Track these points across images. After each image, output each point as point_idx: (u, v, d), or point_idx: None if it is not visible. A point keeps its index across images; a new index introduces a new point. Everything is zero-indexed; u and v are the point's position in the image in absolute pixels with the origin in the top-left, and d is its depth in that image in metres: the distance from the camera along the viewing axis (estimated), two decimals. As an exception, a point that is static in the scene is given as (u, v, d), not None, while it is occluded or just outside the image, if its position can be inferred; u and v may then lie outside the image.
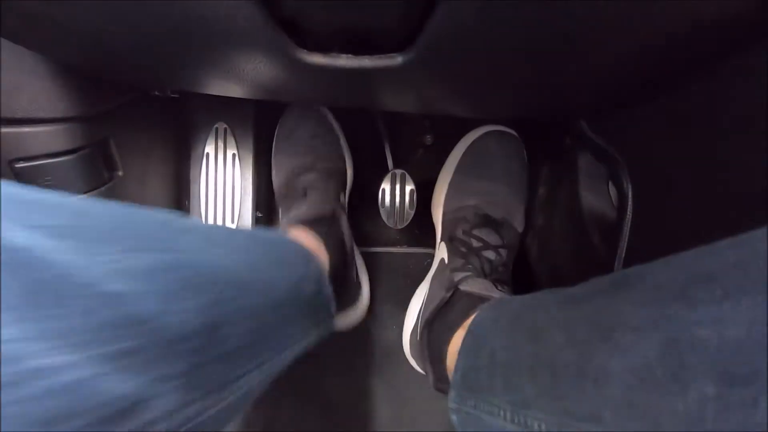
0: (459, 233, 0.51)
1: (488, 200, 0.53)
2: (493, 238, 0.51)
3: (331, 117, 0.61)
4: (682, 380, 0.17)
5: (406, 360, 0.58)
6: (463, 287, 0.46)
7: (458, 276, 0.48)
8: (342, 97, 0.39)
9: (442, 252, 0.53)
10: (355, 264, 0.57)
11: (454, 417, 0.38)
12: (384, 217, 0.60)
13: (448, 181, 0.55)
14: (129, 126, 0.49)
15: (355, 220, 0.67)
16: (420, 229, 0.64)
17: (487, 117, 0.60)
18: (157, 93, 0.53)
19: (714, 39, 0.26)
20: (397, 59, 0.27)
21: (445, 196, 0.55)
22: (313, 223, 0.50)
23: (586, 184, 0.52)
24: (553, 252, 0.56)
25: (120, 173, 0.48)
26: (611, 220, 0.47)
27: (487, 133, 0.54)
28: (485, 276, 0.48)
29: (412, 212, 0.60)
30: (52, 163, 0.40)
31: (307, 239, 0.48)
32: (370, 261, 0.65)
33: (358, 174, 0.65)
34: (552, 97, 0.38)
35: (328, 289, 0.42)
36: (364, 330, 0.60)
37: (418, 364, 0.54)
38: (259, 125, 0.63)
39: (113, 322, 0.18)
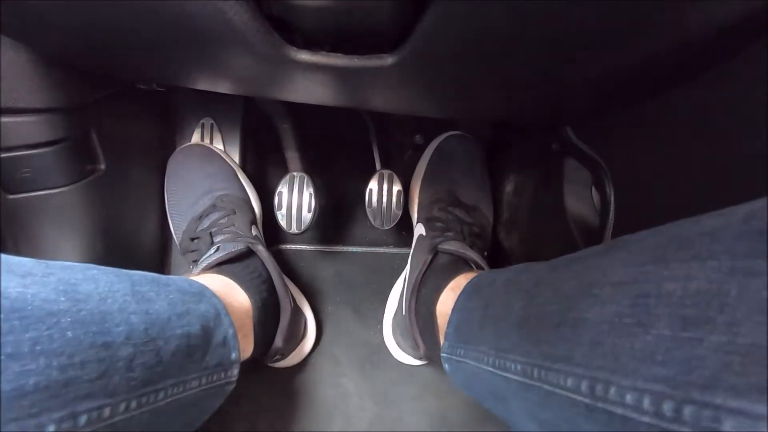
0: (435, 211, 0.55)
1: (459, 189, 0.58)
2: (466, 217, 0.55)
3: (220, 152, 0.58)
4: (645, 325, 0.19)
5: (392, 359, 0.58)
6: (442, 247, 0.50)
7: (437, 240, 0.51)
8: (331, 96, 0.39)
9: (419, 230, 0.56)
10: (290, 295, 0.51)
11: (446, 365, 0.43)
12: (371, 217, 0.60)
13: (422, 176, 0.60)
14: (113, 119, 0.48)
15: (341, 220, 0.66)
16: (407, 230, 0.65)
17: (475, 119, 0.60)
18: (142, 86, 0.52)
19: (703, 49, 0.26)
20: (386, 60, 0.27)
21: (419, 189, 0.59)
22: (224, 265, 0.46)
23: (571, 189, 0.53)
24: (537, 255, 0.57)
25: (102, 167, 0.47)
26: (594, 225, 0.48)
27: (450, 136, 0.61)
28: (463, 239, 0.52)
29: (399, 213, 0.60)
30: (31, 154, 0.39)
31: (214, 279, 0.43)
32: (356, 261, 0.65)
33: (346, 175, 0.65)
34: (539, 102, 0.39)
35: (228, 332, 0.37)
36: (349, 329, 0.60)
37: (405, 342, 0.55)
38: (246, 121, 0.62)
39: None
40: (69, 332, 0.23)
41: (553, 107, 0.41)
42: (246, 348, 0.42)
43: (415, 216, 0.60)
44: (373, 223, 0.60)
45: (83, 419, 0.23)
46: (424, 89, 0.35)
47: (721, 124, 0.30)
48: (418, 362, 0.57)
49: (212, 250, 0.47)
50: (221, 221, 0.51)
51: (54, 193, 0.42)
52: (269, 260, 0.48)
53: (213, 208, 0.53)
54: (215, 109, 0.61)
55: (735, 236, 0.18)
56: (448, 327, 0.42)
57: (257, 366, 0.53)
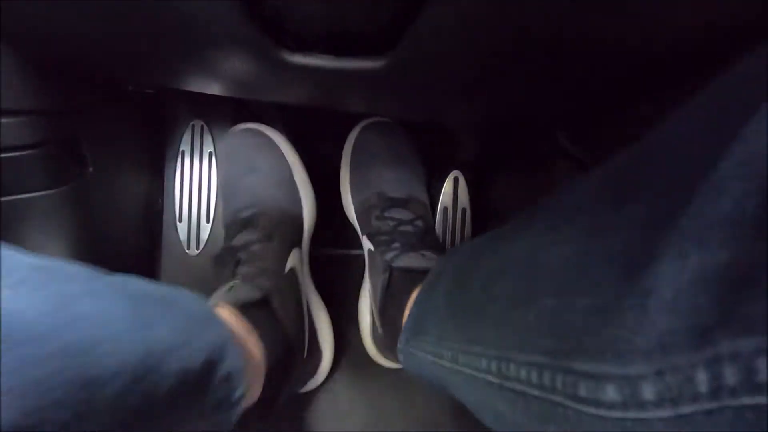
0: (373, 221, 0.52)
1: (388, 184, 0.54)
2: (404, 214, 0.52)
3: (282, 143, 0.53)
4: (535, 297, 0.20)
5: (384, 367, 0.57)
6: (396, 264, 0.48)
7: (388, 255, 0.49)
8: (323, 99, 0.39)
9: (366, 245, 0.54)
10: (313, 327, 0.49)
11: (400, 356, 0.43)
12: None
13: (348, 179, 0.57)
14: (102, 121, 0.47)
15: (334, 224, 0.66)
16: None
17: (463, 122, 0.60)
18: (131, 88, 0.51)
19: (695, 53, 0.27)
20: (378, 62, 0.27)
21: (350, 194, 0.57)
22: (242, 308, 0.40)
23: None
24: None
25: (89, 170, 0.46)
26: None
27: (363, 128, 0.56)
28: (412, 248, 0.49)
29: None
30: (16, 156, 0.38)
31: (235, 322, 0.39)
32: (346, 264, 0.64)
33: (338, 178, 0.64)
34: (532, 104, 0.39)
35: (234, 365, 0.32)
36: (339, 334, 0.59)
37: (390, 354, 0.54)
38: (237, 123, 0.62)
39: None
40: (55, 361, 0.19)
41: (546, 109, 0.41)
42: (252, 395, 0.38)
43: (356, 224, 0.57)
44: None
45: None
46: (416, 92, 0.35)
47: (715, 129, 0.30)
48: (394, 366, 0.57)
49: (227, 287, 0.43)
50: (253, 248, 0.46)
51: (39, 196, 0.42)
52: (284, 314, 0.44)
53: (250, 224, 0.48)
54: (206, 111, 0.61)
55: (595, 193, 0.19)
56: (405, 323, 0.42)
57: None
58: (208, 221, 0.60)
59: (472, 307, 0.26)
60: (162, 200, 0.60)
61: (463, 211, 0.63)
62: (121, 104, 0.52)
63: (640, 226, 0.16)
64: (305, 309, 0.49)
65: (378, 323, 0.51)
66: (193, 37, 0.27)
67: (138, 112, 0.56)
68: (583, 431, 0.16)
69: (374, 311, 0.52)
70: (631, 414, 0.15)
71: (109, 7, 0.24)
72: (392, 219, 0.52)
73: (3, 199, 0.40)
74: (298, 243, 0.51)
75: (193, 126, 0.61)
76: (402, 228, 0.51)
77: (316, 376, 0.54)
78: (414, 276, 0.47)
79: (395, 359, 0.54)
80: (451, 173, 0.63)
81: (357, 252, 0.65)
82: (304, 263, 0.54)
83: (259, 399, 0.39)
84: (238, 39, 0.26)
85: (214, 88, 0.40)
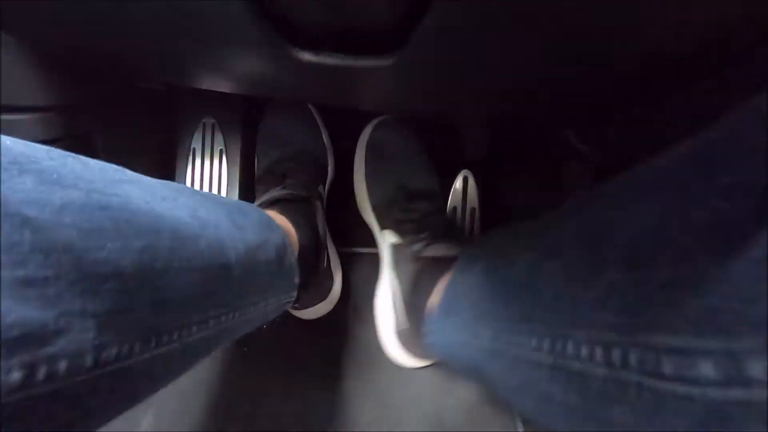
0: (397, 214, 0.54)
1: (407, 177, 0.56)
2: (429, 205, 0.54)
3: (316, 113, 0.62)
4: (598, 271, 0.19)
5: (390, 361, 0.58)
6: (426, 254, 0.49)
7: (418, 247, 0.50)
8: (332, 96, 0.39)
9: (389, 238, 0.54)
10: (327, 255, 0.56)
11: (427, 338, 0.44)
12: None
13: (363, 174, 0.58)
14: (113, 118, 0.48)
15: (338, 221, 0.66)
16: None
17: (474, 120, 0.60)
18: (143, 85, 0.52)
19: (705, 53, 0.26)
20: (388, 60, 0.27)
21: (367, 190, 0.58)
22: (284, 203, 0.50)
23: (570, 191, 0.53)
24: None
25: (103, 165, 0.47)
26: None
27: (375, 126, 0.58)
28: (440, 238, 0.50)
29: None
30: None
31: (276, 216, 0.46)
32: (354, 261, 0.64)
33: (344, 175, 0.65)
34: (541, 103, 0.39)
35: (292, 259, 0.42)
36: (347, 330, 0.60)
37: (416, 354, 0.54)
38: (247, 121, 0.62)
39: (19, 246, 0.16)
40: (206, 252, 0.26)
41: (555, 109, 0.41)
42: None
43: (373, 222, 0.58)
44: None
45: (211, 322, 0.28)
46: (425, 89, 0.35)
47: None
48: (416, 365, 0.57)
49: (279, 187, 0.52)
50: (296, 169, 0.56)
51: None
52: (321, 217, 0.53)
53: (293, 158, 0.57)
54: (216, 108, 0.61)
55: (678, 167, 0.17)
56: (439, 304, 0.42)
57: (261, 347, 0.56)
58: (217, 218, 0.61)
59: (516, 285, 0.25)
60: (173, 197, 0.61)
61: (473, 210, 0.63)
62: (133, 101, 0.52)
63: (741, 193, 0.14)
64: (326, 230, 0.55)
65: (406, 317, 0.51)
66: (204, 35, 0.28)
67: (149, 110, 0.57)
68: (661, 412, 0.15)
69: (401, 305, 0.52)
70: (733, 394, 0.13)
71: (121, 5, 0.25)
72: (417, 210, 0.53)
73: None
74: (323, 182, 0.60)
75: (204, 124, 0.61)
76: (429, 219, 0.53)
77: (329, 297, 0.58)
78: (442, 264, 0.48)
79: (423, 355, 0.54)
80: (461, 173, 0.63)
81: (361, 250, 0.65)
82: (324, 201, 0.60)
83: None
84: (249, 37, 0.26)
85: (224, 86, 0.40)
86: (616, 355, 0.16)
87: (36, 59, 0.36)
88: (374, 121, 0.59)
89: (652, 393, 0.15)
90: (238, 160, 0.61)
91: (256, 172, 0.61)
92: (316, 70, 0.29)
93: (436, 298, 0.44)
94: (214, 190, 0.61)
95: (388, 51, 0.27)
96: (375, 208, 0.57)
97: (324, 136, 0.62)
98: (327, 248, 0.55)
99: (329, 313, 0.60)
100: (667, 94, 0.33)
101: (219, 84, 0.40)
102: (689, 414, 0.14)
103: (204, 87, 0.41)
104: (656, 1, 0.21)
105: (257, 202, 0.49)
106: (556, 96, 0.36)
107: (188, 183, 0.61)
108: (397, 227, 0.53)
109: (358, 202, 0.60)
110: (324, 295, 0.57)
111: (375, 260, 0.64)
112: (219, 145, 0.61)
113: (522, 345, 0.23)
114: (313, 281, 0.51)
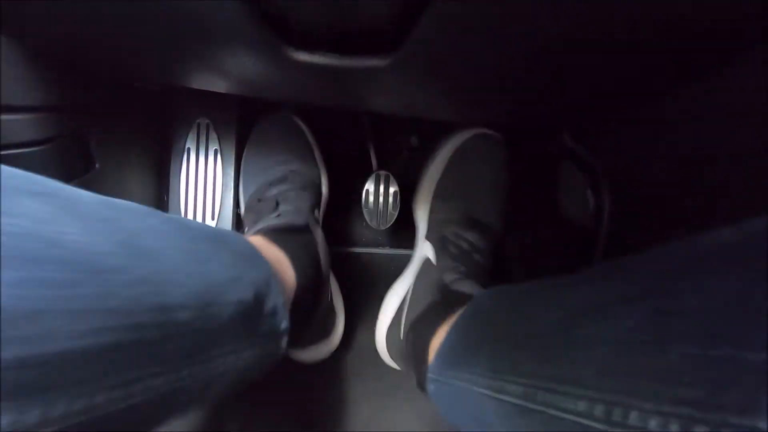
0: (449, 234, 0.51)
1: (476, 203, 0.53)
2: (480, 242, 0.51)
3: (306, 130, 0.58)
4: (665, 342, 0.18)
5: (383, 362, 0.58)
6: (453, 288, 0.46)
7: (449, 278, 0.48)
8: (328, 97, 0.39)
9: (426, 251, 0.52)
10: (330, 288, 0.51)
11: (430, 386, 0.40)
12: (367, 218, 0.60)
13: (436, 180, 0.55)
14: (108, 118, 0.48)
15: (337, 221, 0.66)
16: (402, 230, 0.65)
17: (471, 121, 0.60)
18: (138, 85, 0.52)
19: (700, 52, 0.27)
20: (384, 60, 0.27)
21: (433, 195, 0.55)
22: (281, 232, 0.45)
23: (566, 192, 0.53)
24: (532, 257, 0.57)
25: (96, 166, 0.46)
26: (589, 228, 0.48)
27: (475, 135, 0.54)
28: (473, 278, 0.48)
29: (396, 213, 0.60)
30: (24, 152, 0.39)
31: (268, 248, 0.41)
32: (352, 262, 0.64)
33: (342, 174, 0.64)
34: (537, 104, 0.39)
35: (278, 301, 0.35)
36: (344, 331, 0.60)
37: (398, 364, 0.54)
38: (242, 121, 0.62)
39: None
40: (126, 290, 0.20)
41: (552, 109, 0.41)
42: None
43: (422, 228, 0.56)
44: (369, 223, 0.60)
45: (138, 387, 0.21)
46: (421, 90, 0.35)
47: (720, 127, 0.30)
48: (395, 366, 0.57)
49: (273, 215, 0.47)
50: (289, 193, 0.51)
51: (47, 191, 0.42)
52: (322, 246, 0.48)
53: (284, 180, 0.52)
54: (211, 109, 0.61)
55: (757, 249, 0.17)
56: (441, 346, 0.39)
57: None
58: (213, 218, 0.61)
59: (556, 343, 0.24)
60: (167, 197, 0.61)
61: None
62: (127, 101, 0.52)
63: None
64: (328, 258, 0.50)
65: (403, 330, 0.50)
66: (199, 35, 0.27)
67: (144, 110, 0.56)
68: None
69: (406, 318, 0.51)
70: None
71: (115, 4, 0.24)
72: (467, 242, 0.50)
73: (11, 194, 0.41)
74: (318, 205, 0.55)
75: (198, 124, 0.61)
76: (474, 256, 0.50)
77: (332, 336, 0.55)
78: (459, 301, 0.45)
79: (400, 364, 0.54)
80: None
81: (367, 251, 0.65)
82: (320, 226, 0.56)
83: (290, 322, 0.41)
84: (244, 37, 0.26)
85: (219, 86, 0.40)
86: (695, 429, 0.16)
87: (29, 58, 0.35)
88: (473, 130, 0.54)
89: None
90: (233, 160, 0.61)
91: (241, 197, 0.56)
92: (311, 70, 0.29)
93: (442, 335, 0.41)
94: (209, 191, 0.61)
95: (385, 51, 0.27)
96: (432, 214, 0.54)
97: (316, 153, 0.58)
98: (329, 282, 0.50)
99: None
100: (664, 94, 0.33)
101: (214, 84, 0.40)
102: None
103: (199, 87, 0.40)
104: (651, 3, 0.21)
105: (248, 233, 0.44)
106: (552, 96, 0.36)
107: (182, 184, 0.60)
108: (439, 246, 0.51)
109: (417, 198, 0.58)
110: (326, 333, 0.54)
111: (376, 262, 0.64)
112: (214, 145, 0.61)
113: (564, 407, 0.22)
114: (314, 320, 0.47)
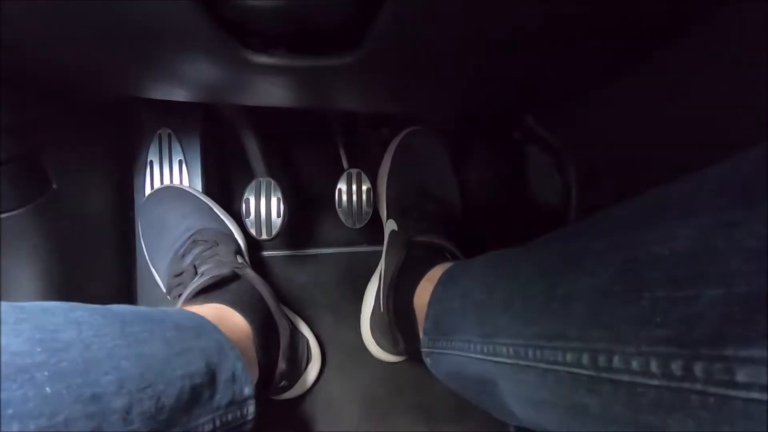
0: (407, 206, 0.55)
1: (426, 182, 0.57)
2: (437, 209, 0.55)
3: (193, 191, 0.57)
4: (637, 290, 0.19)
5: (373, 358, 0.58)
6: (417, 239, 0.50)
7: (412, 233, 0.51)
8: (292, 98, 0.38)
9: (391, 226, 0.56)
10: (286, 319, 0.49)
11: (427, 360, 0.42)
12: (342, 217, 0.60)
13: (387, 173, 0.59)
14: (62, 135, 0.46)
15: (312, 224, 0.66)
16: (379, 227, 0.65)
17: (435, 113, 0.61)
18: (92, 99, 0.50)
19: (653, 24, 0.28)
20: (346, 58, 0.27)
21: (386, 185, 0.59)
22: (213, 289, 0.44)
23: (534, 175, 0.54)
24: (508, 243, 0.58)
25: (53, 186, 0.44)
26: (559, 208, 0.49)
27: (411, 132, 0.60)
28: (437, 231, 0.51)
29: (370, 211, 0.60)
30: (-26, 178, 0.37)
31: (204, 309, 0.41)
32: (331, 262, 0.64)
33: (314, 177, 0.64)
34: (499, 91, 0.40)
35: (237, 365, 0.34)
36: (329, 332, 0.59)
37: (384, 339, 0.55)
38: (206, 129, 0.61)
39: None
40: (47, 388, 0.20)
41: (513, 95, 0.42)
42: (251, 373, 0.39)
43: (384, 213, 0.60)
44: (345, 223, 0.60)
45: None
46: (385, 85, 0.35)
47: (678, 98, 0.31)
48: (398, 358, 0.57)
49: (196, 278, 0.45)
50: (204, 253, 0.49)
51: (3, 217, 0.40)
52: (259, 281, 0.46)
53: (194, 244, 0.50)
54: (173, 118, 0.59)
55: (713, 193, 0.18)
56: (425, 321, 0.41)
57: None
58: (183, 230, 0.59)
59: (539, 303, 0.25)
60: (132, 213, 0.59)
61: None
62: (83, 116, 0.50)
63: None
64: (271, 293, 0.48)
65: (383, 302, 0.51)
66: (153, 43, 0.26)
67: (101, 123, 0.54)
68: (731, 418, 0.16)
69: (382, 289, 0.52)
70: None
71: (63, 14, 0.23)
72: (425, 208, 0.54)
73: (-37, 224, 0.38)
74: (240, 252, 0.53)
75: (160, 135, 0.59)
76: (432, 215, 0.53)
77: (313, 361, 0.55)
78: (432, 252, 0.48)
79: (388, 347, 0.54)
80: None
81: (345, 250, 0.65)
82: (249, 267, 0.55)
83: (259, 369, 0.41)
84: (201, 43, 0.26)
85: (179, 95, 0.39)
86: (675, 366, 0.17)
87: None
88: (409, 128, 0.60)
89: (721, 401, 0.16)
90: (199, 169, 0.59)
91: (158, 279, 0.54)
92: (273, 72, 0.29)
93: (423, 295, 0.44)
94: (178, 203, 0.59)
95: (346, 49, 0.27)
96: (389, 198, 0.58)
97: (216, 209, 0.57)
98: (283, 314, 0.49)
99: (307, 318, 0.60)
100: (619, 71, 0.35)
101: (172, 93, 0.39)
102: (761, 418, 0.15)
103: (159, 97, 0.39)
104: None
105: (180, 304, 0.42)
106: (512, 80, 0.37)
107: (149, 197, 0.59)
108: (400, 217, 0.54)
109: (377, 196, 0.61)
110: (306, 358, 0.53)
111: (355, 260, 0.64)
112: (177, 155, 0.59)
113: (554, 360, 0.23)
114: (288, 353, 0.47)
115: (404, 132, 0.61)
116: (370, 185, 0.61)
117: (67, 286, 0.47)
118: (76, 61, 0.31)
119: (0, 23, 0.24)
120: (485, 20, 0.24)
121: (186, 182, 0.59)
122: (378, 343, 0.56)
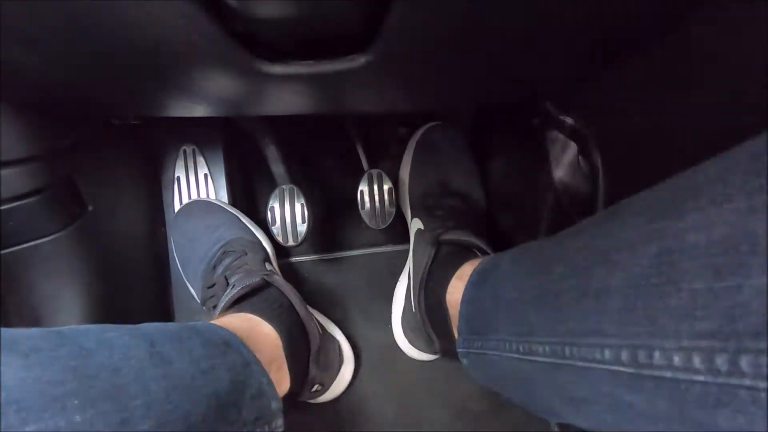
0: (430, 203, 0.55)
1: (448, 178, 0.58)
2: (461, 205, 0.55)
3: (220, 203, 0.59)
4: (675, 281, 0.18)
5: (405, 357, 0.58)
6: (444, 237, 0.50)
7: (440, 232, 0.51)
8: (309, 105, 0.39)
9: (416, 225, 0.56)
10: (315, 320, 0.50)
11: (464, 360, 0.41)
12: (365, 219, 0.60)
13: (408, 170, 0.60)
14: (93, 158, 0.48)
15: (337, 226, 0.66)
16: (402, 226, 0.65)
17: (453, 107, 0.60)
18: (117, 121, 0.51)
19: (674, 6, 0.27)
20: (359, 60, 0.27)
21: (408, 183, 0.59)
22: (242, 301, 0.45)
23: (558, 162, 0.53)
24: (534, 233, 0.57)
25: (89, 208, 0.46)
26: (586, 195, 0.48)
27: (430, 127, 0.60)
28: (463, 228, 0.51)
29: (393, 210, 0.60)
30: (16, 206, 0.39)
31: (235, 320, 0.42)
32: (358, 264, 0.64)
33: (335, 180, 0.64)
34: (514, 80, 0.39)
35: (262, 381, 0.35)
36: (360, 333, 0.60)
37: (418, 339, 0.54)
38: (228, 142, 0.62)
39: None
40: (77, 416, 0.21)
41: (529, 83, 0.41)
42: (282, 381, 0.41)
43: (408, 212, 0.59)
44: (368, 224, 0.60)
45: None
46: (400, 84, 0.35)
47: (702, 75, 0.30)
48: (430, 357, 0.57)
49: (228, 290, 0.46)
50: (234, 263, 0.50)
51: (44, 242, 0.42)
52: (288, 288, 0.47)
53: (224, 255, 0.52)
54: (195, 134, 0.61)
55: (745, 174, 0.17)
56: (459, 321, 0.41)
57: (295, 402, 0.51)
58: (213, 242, 0.60)
59: (570, 298, 0.25)
60: (164, 228, 0.61)
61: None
62: (110, 139, 0.52)
63: None
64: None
65: (414, 302, 0.51)
66: (168, 62, 0.27)
67: (128, 145, 0.56)
68: None
69: (412, 289, 0.52)
70: None
71: (82, 42, 0.24)
72: (448, 204, 0.54)
73: (7, 250, 0.41)
74: (268, 259, 0.55)
75: (184, 151, 0.61)
76: (458, 211, 0.54)
77: (345, 364, 0.55)
78: (461, 250, 0.48)
79: (422, 346, 0.54)
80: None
81: (369, 251, 0.65)
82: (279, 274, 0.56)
83: (290, 376, 0.42)
84: (216, 58, 0.26)
85: (198, 111, 0.40)
86: (720, 361, 0.16)
87: (9, 110, 0.35)
88: (428, 124, 0.61)
89: None
90: (224, 181, 0.61)
91: (194, 293, 0.56)
92: (288, 81, 0.29)
93: (455, 294, 0.43)
94: (205, 216, 0.61)
95: (359, 51, 0.27)
96: (411, 198, 0.58)
97: (243, 219, 0.58)
98: (311, 314, 0.50)
99: (338, 321, 0.60)
100: (638, 50, 0.33)
101: (193, 110, 0.40)
102: None
103: (179, 115, 0.40)
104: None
105: (212, 320, 0.43)
106: (530, 68, 0.36)
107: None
108: (425, 215, 0.54)
109: (399, 196, 0.62)
110: (339, 360, 0.54)
111: (380, 260, 0.64)
112: (203, 169, 0.61)
113: (592, 358, 0.23)
114: (319, 358, 0.47)
115: (423, 128, 0.61)
116: (391, 185, 0.61)
117: (107, 304, 0.49)
118: (98, 88, 0.32)
119: (27, 54, 0.25)
120: (492, 12, 0.23)
121: (212, 195, 0.61)
122: (412, 343, 0.56)
